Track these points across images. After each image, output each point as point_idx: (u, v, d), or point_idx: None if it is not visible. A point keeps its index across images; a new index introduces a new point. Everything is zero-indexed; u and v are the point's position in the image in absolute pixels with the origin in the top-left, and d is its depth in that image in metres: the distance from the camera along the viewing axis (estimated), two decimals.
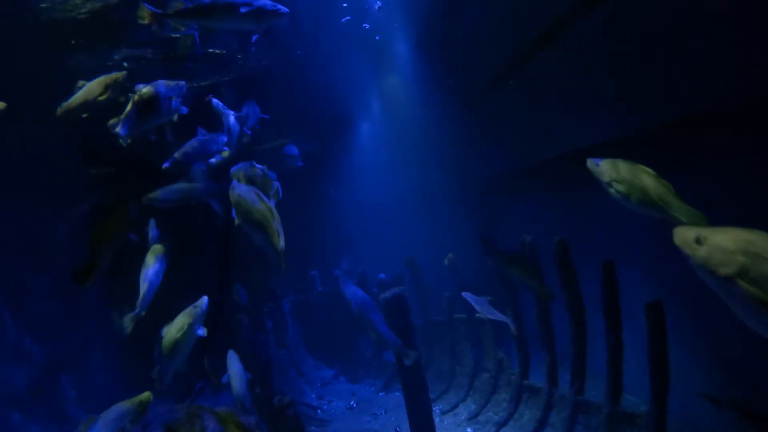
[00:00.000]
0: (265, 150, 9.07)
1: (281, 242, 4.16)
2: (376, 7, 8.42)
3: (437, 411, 7.31)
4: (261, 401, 6.85)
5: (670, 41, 5.13)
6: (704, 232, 2.26)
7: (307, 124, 10.56)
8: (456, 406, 7.40)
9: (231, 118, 6.94)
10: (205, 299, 5.11)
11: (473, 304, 6.47)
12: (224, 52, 7.83)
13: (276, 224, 4.13)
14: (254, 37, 7.33)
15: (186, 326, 4.82)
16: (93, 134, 7.31)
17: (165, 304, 5.29)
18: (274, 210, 4.17)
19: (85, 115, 5.13)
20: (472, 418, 6.95)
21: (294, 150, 8.49)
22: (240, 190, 4.22)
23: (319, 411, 8.23)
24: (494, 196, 10.40)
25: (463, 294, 6.41)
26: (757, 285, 2.04)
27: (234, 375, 5.72)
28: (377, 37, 9.45)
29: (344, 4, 8.21)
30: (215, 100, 6.83)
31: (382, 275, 9.07)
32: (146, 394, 4.06)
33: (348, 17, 8.06)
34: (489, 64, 8.68)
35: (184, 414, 2.84)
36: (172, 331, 4.84)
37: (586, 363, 5.69)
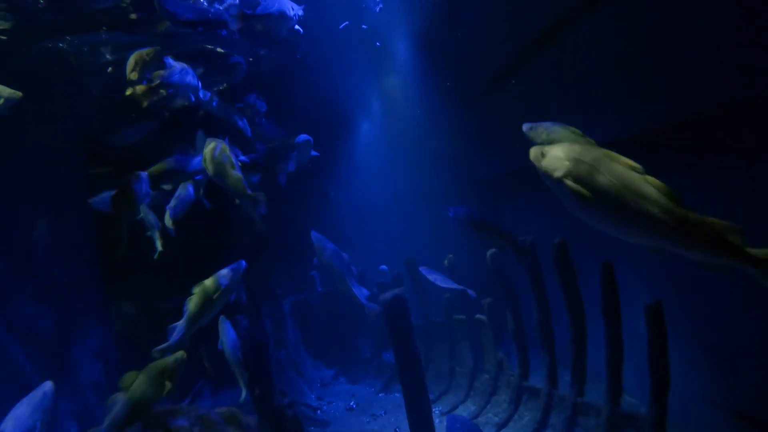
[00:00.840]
0: (273, 149, 9.06)
1: (248, 188, 4.80)
2: (377, 9, 8.39)
3: (437, 412, 7.30)
4: (261, 402, 6.84)
5: (669, 42, 5.13)
6: (547, 148, 2.94)
7: (308, 125, 10.54)
8: (456, 407, 7.39)
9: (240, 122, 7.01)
10: (242, 263, 5.10)
11: (428, 276, 6.49)
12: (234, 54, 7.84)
13: (236, 173, 4.80)
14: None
15: (222, 287, 4.82)
16: (93, 134, 7.31)
17: (162, 304, 5.29)
18: (237, 165, 4.89)
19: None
20: (472, 419, 6.93)
21: (306, 137, 7.87)
22: (209, 144, 4.99)
23: (318, 412, 8.23)
24: (494, 197, 10.39)
25: (420, 268, 6.43)
26: (578, 182, 2.71)
27: (227, 341, 5.76)
28: (377, 44, 9.44)
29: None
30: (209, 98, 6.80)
31: (384, 267, 9.06)
32: (181, 353, 4.25)
33: (347, 22, 8.04)
34: (489, 64, 8.68)
35: (183, 416, 2.84)
36: (208, 288, 4.80)
37: (587, 364, 5.69)
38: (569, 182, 2.72)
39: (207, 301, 4.73)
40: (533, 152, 2.98)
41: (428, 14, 8.94)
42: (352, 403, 8.39)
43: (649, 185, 2.61)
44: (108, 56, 6.76)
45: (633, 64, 5.58)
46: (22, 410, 4.13)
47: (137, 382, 3.94)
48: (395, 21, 9.36)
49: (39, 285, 6.30)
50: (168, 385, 4.00)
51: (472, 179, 10.78)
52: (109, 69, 6.92)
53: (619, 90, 6.01)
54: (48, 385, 4.32)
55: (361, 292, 5.79)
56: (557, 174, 2.78)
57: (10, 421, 4.04)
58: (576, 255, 5.64)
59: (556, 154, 2.84)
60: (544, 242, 5.92)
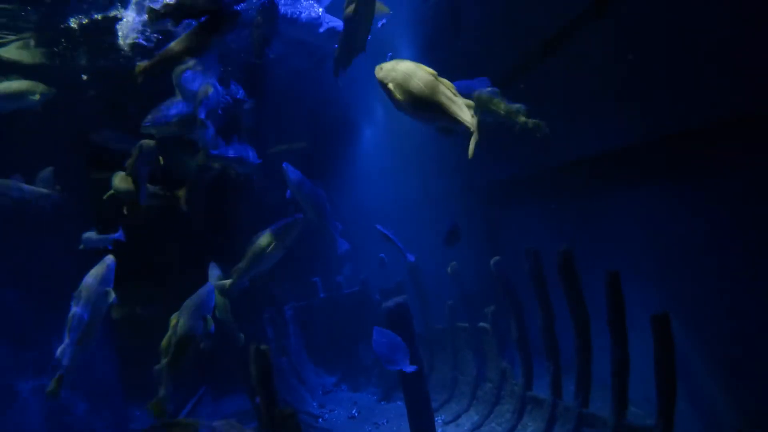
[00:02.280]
0: (277, 153, 9.03)
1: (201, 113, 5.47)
2: (379, 24, 8.40)
3: (439, 421, 7.22)
4: (262, 410, 6.78)
5: (674, 48, 5.08)
6: (384, 64, 3.85)
7: (312, 129, 10.53)
8: (459, 416, 7.30)
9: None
10: (299, 215, 6.01)
11: (385, 232, 6.60)
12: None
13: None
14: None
15: (273, 242, 5.91)
16: (96, 140, 7.31)
17: (164, 312, 5.29)
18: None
19: None
20: (475, 429, 6.85)
21: None
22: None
23: (320, 420, 8.15)
24: (498, 204, 10.34)
25: (377, 226, 6.62)
26: (392, 84, 3.70)
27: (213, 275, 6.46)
28: (389, 54, 9.42)
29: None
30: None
31: (383, 255, 9.01)
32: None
33: (336, 45, 8.06)
34: (492, 70, 8.64)
35: (182, 428, 2.79)
36: (261, 242, 5.94)
37: (591, 374, 5.61)
38: (390, 85, 3.68)
39: (260, 251, 5.89)
40: (377, 69, 3.85)
41: (431, 20, 8.93)
42: (353, 411, 8.31)
43: (441, 84, 3.58)
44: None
45: (640, 71, 5.53)
46: (93, 280, 4.61)
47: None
48: (398, 27, 9.35)
49: (36, 286, 6.29)
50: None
51: (476, 185, 10.72)
52: (84, 77, 7.02)
53: (622, 97, 5.97)
54: (110, 258, 4.81)
55: (335, 228, 6.18)
56: (385, 81, 3.71)
57: (84, 291, 4.53)
58: (581, 263, 5.57)
59: (387, 66, 3.78)
60: (548, 249, 5.85)
